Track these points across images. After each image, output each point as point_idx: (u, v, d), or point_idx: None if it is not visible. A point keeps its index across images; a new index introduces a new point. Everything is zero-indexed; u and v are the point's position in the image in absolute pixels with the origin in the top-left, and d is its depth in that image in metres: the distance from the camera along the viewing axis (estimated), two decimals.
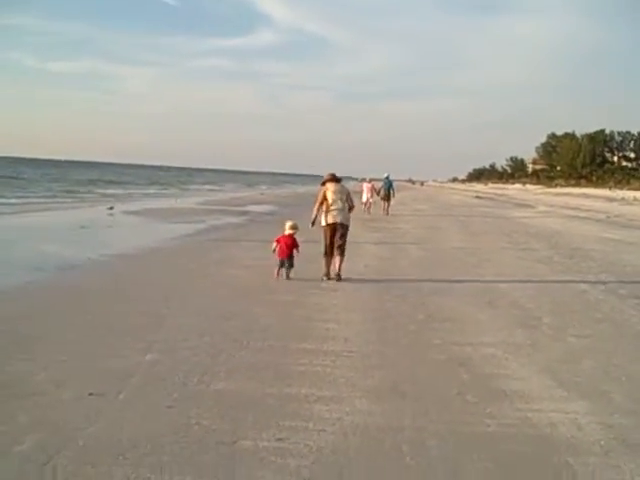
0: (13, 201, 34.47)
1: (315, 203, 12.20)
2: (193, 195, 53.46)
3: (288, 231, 11.96)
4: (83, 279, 11.24)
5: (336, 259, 11.84)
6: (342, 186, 12.42)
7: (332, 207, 11.94)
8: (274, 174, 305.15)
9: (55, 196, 42.27)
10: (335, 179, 12.41)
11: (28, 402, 5.27)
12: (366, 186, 34.23)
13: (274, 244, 11.93)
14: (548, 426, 5.18)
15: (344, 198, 12.10)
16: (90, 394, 5.48)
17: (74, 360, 6.45)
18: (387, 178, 33.73)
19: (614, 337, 8.27)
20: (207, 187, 78.60)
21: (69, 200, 38.47)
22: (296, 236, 12.03)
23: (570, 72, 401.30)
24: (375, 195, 33.54)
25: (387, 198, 32.93)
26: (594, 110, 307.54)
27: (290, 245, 11.76)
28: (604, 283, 12.32)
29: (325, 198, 12.02)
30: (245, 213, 30.13)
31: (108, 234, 19.32)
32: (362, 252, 15.97)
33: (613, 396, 5.98)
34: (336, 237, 11.86)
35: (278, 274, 11.67)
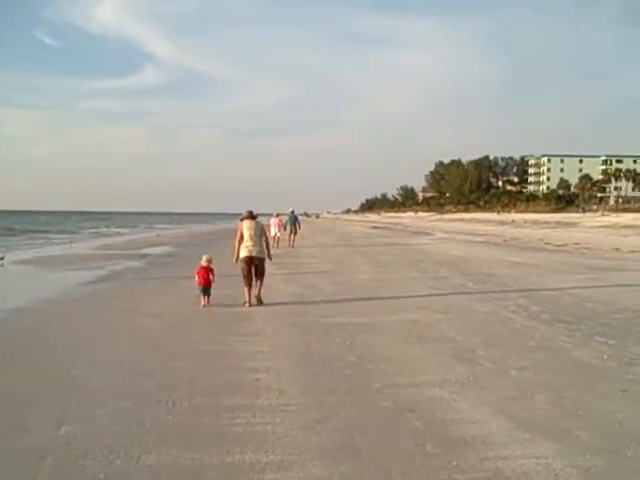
0: None
1: (235, 239, 13.53)
2: (86, 239, 51.43)
3: (204, 264, 13.36)
4: None
5: (259, 286, 13.41)
6: (257, 222, 13.53)
7: (247, 242, 13.25)
8: (169, 214, 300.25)
9: None
10: (251, 216, 13.55)
11: None
12: (274, 221, 34.33)
13: (195, 276, 13.29)
14: (523, 476, 4.74)
15: (258, 233, 13.40)
16: None
17: None
18: (292, 213, 35.27)
19: (554, 367, 7.99)
20: (98, 230, 75.92)
21: None
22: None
23: (455, 102, 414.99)
24: (282, 229, 34.21)
25: (293, 231, 34.33)
26: (479, 137, 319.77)
27: (207, 275, 13.18)
28: (525, 309, 12.17)
29: (241, 234, 13.26)
30: (144, 256, 28.96)
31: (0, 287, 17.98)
32: (274, 290, 15.38)
33: (577, 433, 5.63)
34: (252, 269, 13.25)
35: (203, 301, 13.14)
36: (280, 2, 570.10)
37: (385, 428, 5.82)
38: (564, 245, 32.85)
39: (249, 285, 13.20)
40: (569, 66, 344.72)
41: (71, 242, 44.63)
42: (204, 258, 13.55)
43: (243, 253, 13.24)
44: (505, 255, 26.64)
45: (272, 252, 14.33)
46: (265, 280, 13.76)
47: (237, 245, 13.36)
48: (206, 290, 13.15)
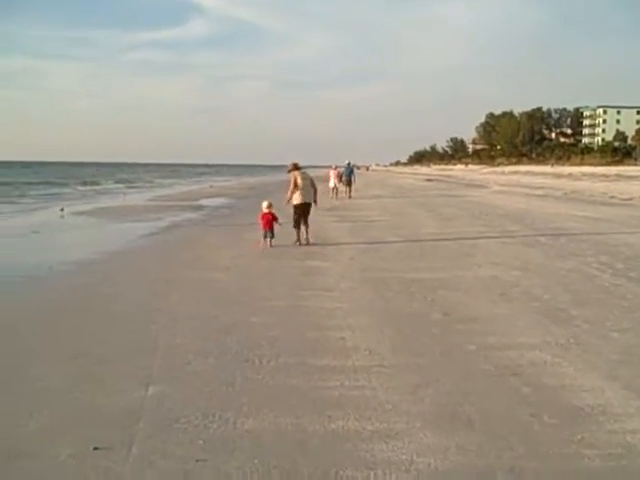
0: None
1: (290, 186, 15.17)
2: (140, 191, 51.65)
3: (265, 209, 14.84)
4: (48, 294, 10.00)
5: (306, 229, 15.23)
6: (305, 172, 15.64)
7: (303, 190, 15.09)
8: (215, 165, 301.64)
9: None
10: (297, 167, 15.42)
11: (14, 468, 4.19)
12: (332, 172, 35.84)
13: (259, 221, 14.90)
14: None
15: (309, 183, 15.27)
16: (95, 448, 4.40)
17: (63, 403, 5.33)
18: (349, 165, 36.27)
19: None
20: (152, 181, 76.20)
21: (10, 203, 36.34)
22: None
23: (506, 53, 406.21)
24: (339, 180, 35.33)
25: (349, 183, 35.51)
26: (531, 89, 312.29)
27: (270, 219, 14.72)
28: (609, 266, 11.58)
29: (296, 183, 14.98)
30: (200, 208, 28.90)
31: (64, 239, 17.98)
32: (340, 245, 15.13)
33: None
34: (305, 213, 15.18)
35: (264, 243, 14.62)
36: None
37: (492, 394, 5.42)
38: (630, 199, 31.69)
39: (305, 226, 15.20)
40: (625, 14, 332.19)
41: (125, 193, 44.88)
42: (264, 204, 15.00)
43: (299, 200, 15.10)
44: (570, 209, 25.77)
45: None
46: (331, 233, 15.43)
47: (292, 191, 15.10)
48: (267, 233, 14.67)
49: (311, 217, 15.71)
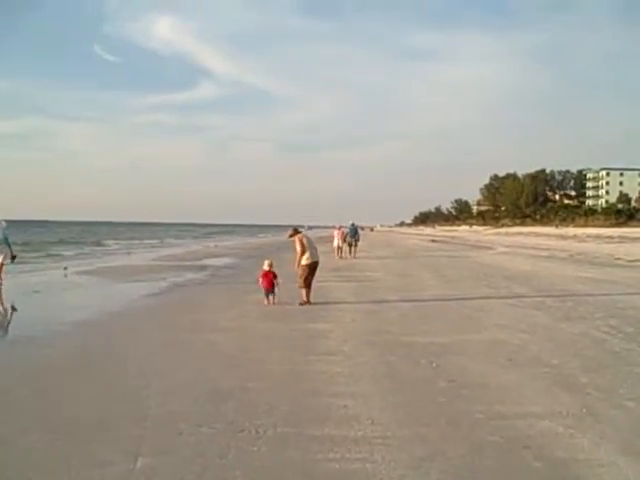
0: None
1: (298, 248, 15.31)
2: (145, 251, 51.56)
3: (266, 268, 15.30)
4: (41, 355, 9.72)
5: (309, 290, 15.26)
6: (307, 235, 15.99)
7: (312, 251, 15.42)
8: (222, 225, 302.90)
9: None
10: (297, 231, 15.85)
11: None
12: (337, 232, 36.43)
13: (259, 279, 15.36)
14: None
15: (313, 244, 15.70)
16: None
17: (45, 476, 5.02)
18: (353, 225, 36.86)
19: None
20: (155, 241, 76.22)
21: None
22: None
23: (510, 115, 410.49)
24: (343, 240, 35.81)
25: (353, 243, 36.07)
26: (534, 150, 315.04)
27: (271, 278, 15.19)
28: (619, 330, 11.27)
29: (302, 244, 15.24)
30: (204, 268, 28.65)
31: (65, 299, 17.69)
32: (343, 306, 14.85)
33: None
34: (314, 272, 15.42)
35: (267, 302, 15.10)
36: (334, 18, 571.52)
37: (502, 470, 5.10)
38: (636, 260, 31.46)
39: (309, 287, 15.26)
40: (627, 78, 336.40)
41: (129, 253, 44.83)
42: (266, 263, 15.45)
43: (309, 260, 15.24)
44: (577, 271, 25.52)
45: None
46: (334, 294, 15.88)
47: (302, 252, 15.23)
48: (270, 291, 15.16)
49: (315, 277, 15.75)
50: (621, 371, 8.35)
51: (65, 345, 10.49)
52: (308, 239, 15.63)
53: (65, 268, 26.80)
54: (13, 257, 19.98)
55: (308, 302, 15.07)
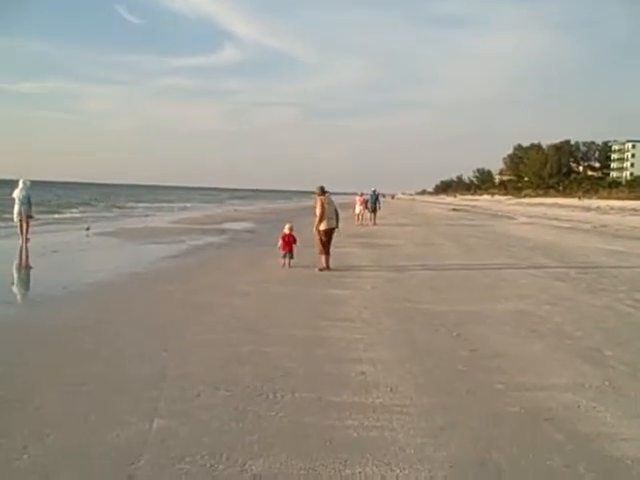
0: None
1: (318, 210, 15.19)
2: (165, 213, 51.66)
3: (287, 231, 15.56)
4: (60, 315, 9.71)
5: (328, 256, 15.15)
6: (330, 198, 15.55)
7: (329, 215, 15.24)
8: (242, 190, 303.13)
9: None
10: (324, 192, 15.39)
11: None
12: (358, 199, 36.93)
13: (279, 241, 15.59)
14: None
15: (333, 209, 15.42)
16: None
17: (61, 432, 5.00)
18: (374, 192, 36.61)
19: None
20: (175, 204, 76.21)
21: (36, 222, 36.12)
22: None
23: (535, 86, 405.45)
24: (364, 207, 36.30)
25: (374, 210, 36.18)
26: (559, 122, 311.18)
27: (290, 241, 15.49)
28: None
29: (323, 207, 15.03)
30: (223, 232, 28.62)
31: (85, 259, 17.72)
32: (363, 273, 14.75)
33: None
34: (330, 238, 15.25)
35: (284, 264, 15.34)
36: None
37: (523, 441, 5.00)
38: None
39: (327, 253, 15.16)
40: None
41: (147, 215, 44.92)
42: (287, 226, 15.74)
43: (325, 225, 15.15)
44: (599, 242, 25.20)
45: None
46: (354, 260, 16.12)
47: (320, 216, 15.12)
48: (289, 254, 15.43)
49: (335, 243, 15.97)
50: None
51: (83, 306, 10.47)
52: (330, 203, 15.40)
53: (87, 228, 26.87)
54: (30, 217, 20.47)
55: (327, 268, 15.00)
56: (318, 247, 15.24)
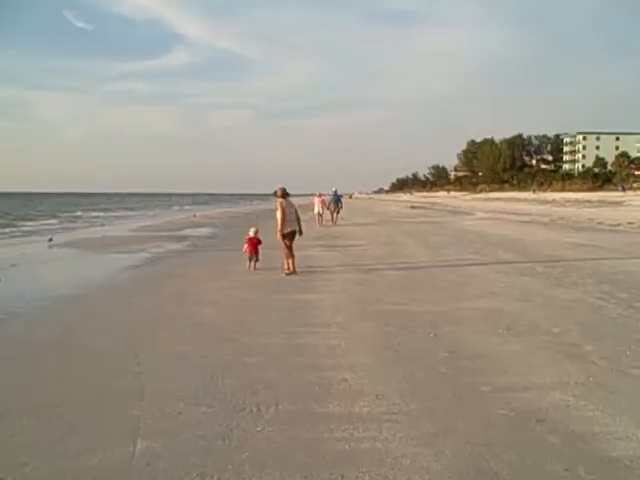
0: None
1: (279, 214, 14.92)
2: (124, 221, 50.93)
3: (251, 234, 15.81)
4: (26, 332, 9.37)
5: (294, 258, 15.07)
6: (289, 201, 15.35)
7: (288, 218, 14.99)
8: (199, 195, 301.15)
9: None
10: (285, 194, 15.19)
11: None
12: (317, 200, 36.72)
13: (244, 245, 15.78)
14: None
15: (294, 211, 15.25)
16: None
17: (40, 460, 4.75)
18: (335, 192, 36.82)
19: None
20: (133, 213, 75.27)
21: None
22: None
23: (487, 82, 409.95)
24: (325, 208, 36.16)
25: (335, 210, 36.53)
26: (512, 116, 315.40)
27: (255, 244, 15.74)
28: (612, 296, 11.15)
29: (284, 211, 14.87)
30: (184, 238, 28.24)
31: (45, 272, 17.28)
32: (330, 276, 14.59)
33: None
34: (291, 241, 15.08)
35: (249, 267, 15.52)
36: None
37: (518, 445, 4.91)
38: (618, 225, 31.47)
39: (292, 256, 15.02)
40: (603, 41, 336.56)
41: (102, 225, 44.22)
42: (252, 230, 15.97)
43: (288, 228, 14.95)
44: (560, 235, 25.45)
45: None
46: (320, 263, 16.23)
47: (282, 220, 14.85)
48: (253, 257, 15.64)
49: (299, 246, 16.09)
50: (622, 338, 8.19)
51: (50, 321, 10.14)
52: (290, 205, 15.26)
53: (50, 239, 26.54)
54: None
55: (294, 272, 14.90)
56: (284, 251, 15.09)
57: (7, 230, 37.66)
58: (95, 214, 67.46)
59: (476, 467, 4.52)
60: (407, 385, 6.44)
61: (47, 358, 7.75)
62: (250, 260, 15.60)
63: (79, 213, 67.94)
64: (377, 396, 6.09)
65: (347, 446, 4.93)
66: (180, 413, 5.69)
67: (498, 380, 6.54)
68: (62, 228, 40.65)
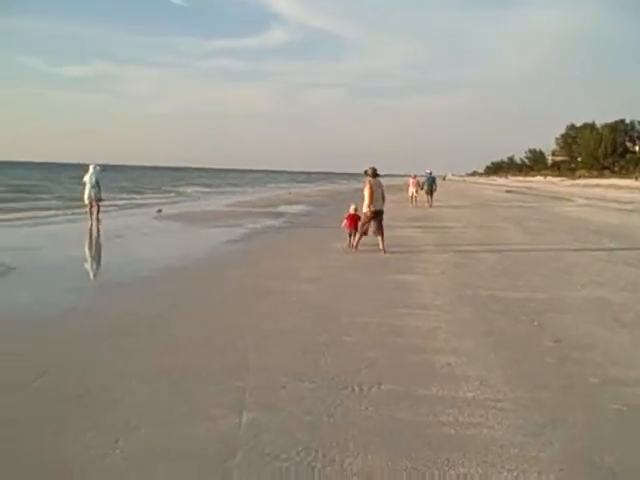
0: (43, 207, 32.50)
1: (367, 192, 15.27)
2: (222, 197, 51.85)
3: (352, 211, 16.07)
4: (132, 303, 9.67)
5: (380, 238, 15.26)
6: (378, 180, 15.64)
7: (376, 198, 15.21)
8: (292, 173, 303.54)
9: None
10: (375, 174, 15.56)
11: None
12: (412, 181, 36.86)
13: (345, 221, 16.06)
14: None
15: (380, 191, 15.49)
16: None
17: (151, 426, 4.88)
18: (430, 174, 36.33)
19: None
20: (233, 189, 76.32)
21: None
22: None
23: (587, 62, 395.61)
24: (419, 189, 36.03)
25: (430, 192, 35.85)
26: (613, 100, 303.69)
27: (356, 220, 15.82)
28: None
29: (372, 189, 15.15)
30: (280, 215, 28.55)
31: (149, 244, 17.80)
32: (427, 257, 14.47)
33: None
34: (377, 221, 15.26)
35: (350, 244, 15.74)
36: None
37: (630, 441, 4.74)
38: None
39: (363, 234, 15.50)
40: None
41: (205, 199, 45.16)
42: (352, 207, 16.25)
43: (376, 206, 15.23)
44: None
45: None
46: (416, 243, 16.58)
47: (370, 198, 15.17)
48: (353, 232, 15.80)
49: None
50: None
51: (155, 293, 10.43)
52: (378, 185, 15.50)
53: (159, 210, 27.71)
54: (100, 200, 21.53)
55: (383, 250, 15.09)
56: (361, 228, 15.50)
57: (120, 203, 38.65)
58: (196, 189, 68.72)
59: (587, 460, 4.38)
60: (512, 372, 6.31)
61: (154, 328, 7.99)
62: (350, 236, 15.87)
63: (182, 189, 69.04)
64: (481, 382, 5.99)
65: (452, 430, 4.86)
66: (284, 387, 5.75)
67: (608, 372, 6.33)
68: (157, 201, 41.56)
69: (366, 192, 15.30)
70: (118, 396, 5.52)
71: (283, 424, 4.93)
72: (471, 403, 5.44)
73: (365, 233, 15.46)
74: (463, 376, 6.15)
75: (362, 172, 15.96)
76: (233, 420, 4.99)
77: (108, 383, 5.87)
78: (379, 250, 15.14)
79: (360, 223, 15.54)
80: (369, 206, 15.16)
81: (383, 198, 15.66)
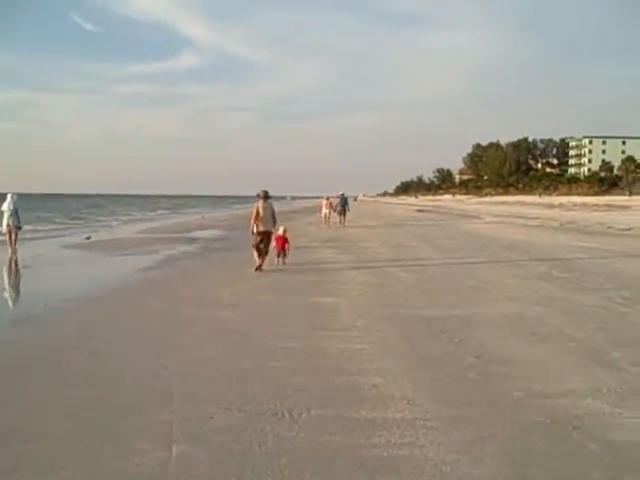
0: None
1: (253, 215, 16.28)
2: (134, 223, 50.90)
3: (281, 233, 17.11)
4: (46, 334, 9.32)
5: (265, 257, 16.21)
6: (268, 203, 16.44)
7: (264, 219, 16.13)
8: (203, 197, 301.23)
9: None
10: (267, 196, 16.48)
11: None
12: (324, 202, 37.61)
13: (273, 242, 16.69)
14: None
15: (269, 212, 16.34)
16: None
17: (77, 464, 4.69)
18: (342, 195, 37.38)
19: None
20: (139, 215, 75.15)
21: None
22: None
23: (493, 85, 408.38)
24: (332, 210, 36.76)
25: (343, 212, 36.84)
26: (517, 119, 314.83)
27: (283, 241, 17.11)
28: (635, 302, 11.08)
29: (258, 213, 16.08)
30: (195, 240, 28.21)
31: (61, 273, 17.27)
32: (344, 278, 14.56)
33: None
34: (265, 241, 16.23)
35: (277, 262, 16.94)
36: None
37: (558, 453, 4.85)
38: (629, 229, 31.40)
39: (265, 253, 16.25)
40: (610, 45, 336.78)
41: (115, 226, 44.22)
42: (281, 229, 17.25)
43: (263, 227, 16.08)
44: (571, 240, 25.40)
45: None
46: (332, 265, 16.79)
47: (255, 220, 16.14)
48: (280, 253, 17.10)
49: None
50: None
51: (69, 323, 10.09)
52: (266, 208, 16.26)
53: (88, 237, 27.50)
54: (19, 228, 21.52)
55: (260, 267, 15.86)
56: (255, 248, 16.15)
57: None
58: (104, 217, 67.29)
59: (518, 474, 4.46)
60: (438, 391, 6.38)
61: (72, 361, 7.70)
62: (278, 256, 17.02)
63: (101, 218, 67.39)
64: (409, 401, 6.03)
65: (385, 453, 4.86)
66: (211, 418, 5.63)
67: (530, 386, 6.48)
68: (69, 229, 40.51)
69: (253, 215, 16.26)
70: (41, 434, 5.28)
71: (214, 456, 4.82)
72: (401, 424, 5.46)
73: (257, 250, 16.03)
74: (390, 396, 6.18)
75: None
76: (163, 454, 4.85)
77: (29, 421, 5.61)
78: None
79: (252, 243, 16.25)
80: (255, 226, 16.07)
81: (274, 220, 16.51)
